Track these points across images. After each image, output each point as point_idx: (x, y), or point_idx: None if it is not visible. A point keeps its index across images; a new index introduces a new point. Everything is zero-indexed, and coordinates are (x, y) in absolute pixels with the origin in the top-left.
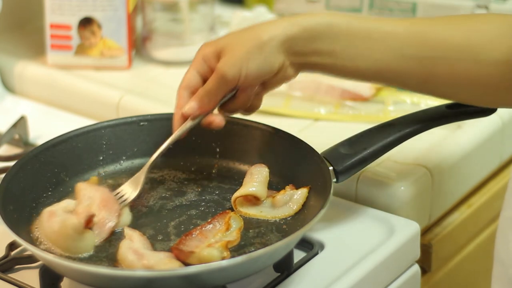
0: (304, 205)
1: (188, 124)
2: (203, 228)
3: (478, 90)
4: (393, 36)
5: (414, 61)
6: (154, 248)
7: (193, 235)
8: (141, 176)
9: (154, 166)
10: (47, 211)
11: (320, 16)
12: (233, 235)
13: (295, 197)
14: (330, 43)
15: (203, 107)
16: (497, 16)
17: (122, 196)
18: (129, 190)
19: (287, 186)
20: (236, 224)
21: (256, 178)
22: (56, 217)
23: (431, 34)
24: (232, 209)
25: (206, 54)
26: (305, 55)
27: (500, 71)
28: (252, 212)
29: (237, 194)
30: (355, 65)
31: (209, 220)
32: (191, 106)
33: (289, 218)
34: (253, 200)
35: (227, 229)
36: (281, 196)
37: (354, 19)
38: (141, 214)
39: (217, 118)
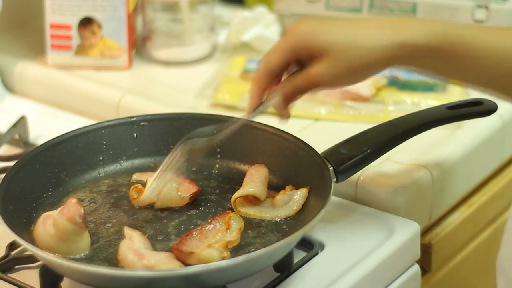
0: (304, 205)
1: (265, 107)
2: (204, 228)
3: None
4: (492, 53)
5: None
6: (154, 248)
7: (193, 235)
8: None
9: (155, 166)
10: (42, 216)
11: (433, 32)
12: (233, 235)
13: (295, 198)
14: (438, 62)
15: (285, 100)
16: None
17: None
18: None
19: (287, 187)
20: (236, 224)
21: (256, 178)
22: (51, 219)
23: None
24: (232, 209)
25: (300, 47)
26: (408, 67)
27: None
28: (252, 212)
29: (236, 194)
30: (460, 79)
31: (209, 220)
32: (276, 97)
33: (289, 218)
34: (253, 200)
35: (227, 229)
36: (281, 196)
37: (466, 33)
38: (141, 214)
39: (287, 114)
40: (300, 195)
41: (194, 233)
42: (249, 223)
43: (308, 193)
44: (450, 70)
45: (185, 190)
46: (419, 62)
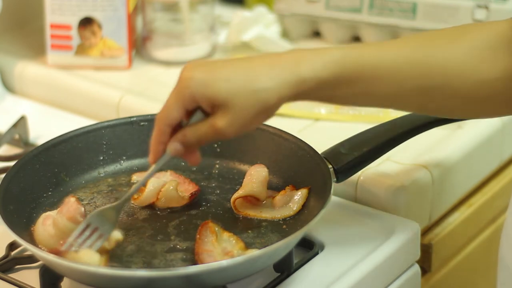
0: (304, 205)
1: (167, 158)
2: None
3: (476, 107)
4: (397, 69)
5: (416, 91)
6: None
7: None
8: (115, 215)
9: None
10: (42, 216)
11: (332, 62)
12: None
13: (295, 198)
14: (345, 90)
15: (188, 149)
16: (483, 27)
17: (95, 232)
18: (103, 226)
19: (287, 187)
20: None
21: (256, 179)
22: (51, 219)
23: (431, 61)
24: (231, 210)
25: (196, 99)
26: (309, 99)
27: (497, 88)
28: (252, 212)
29: (236, 195)
30: (359, 104)
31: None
32: (177, 148)
33: (289, 218)
34: (253, 200)
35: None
36: (281, 196)
37: (362, 56)
38: (141, 214)
39: (196, 157)
40: (300, 195)
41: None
42: (249, 223)
43: (308, 193)
44: (360, 96)
45: (185, 190)
46: (325, 95)
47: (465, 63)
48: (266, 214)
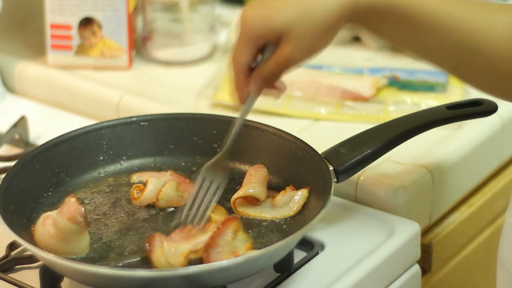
0: (304, 205)
1: (253, 97)
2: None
3: (507, 84)
4: (443, 21)
5: (457, 47)
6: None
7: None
8: (226, 162)
9: (155, 166)
10: (42, 216)
11: None
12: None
13: (295, 198)
14: (387, 25)
15: (267, 85)
16: None
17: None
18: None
19: (288, 187)
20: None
21: (255, 179)
22: (51, 219)
23: (474, 23)
24: (231, 210)
25: (260, 36)
26: (362, 25)
27: None
28: (252, 212)
29: (236, 195)
30: (408, 47)
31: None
32: (257, 86)
33: (289, 219)
34: (252, 201)
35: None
36: (281, 196)
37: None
38: (141, 214)
39: (280, 89)
40: (300, 195)
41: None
42: (249, 223)
43: (309, 193)
44: (398, 34)
45: (185, 190)
46: (375, 24)
47: (503, 35)
48: (266, 214)
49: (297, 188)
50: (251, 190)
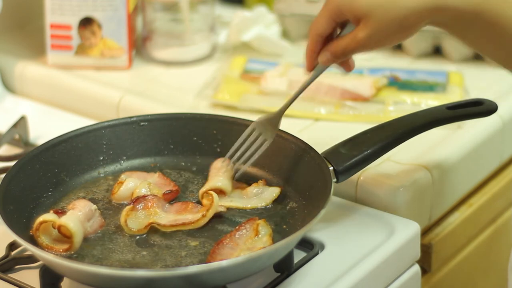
0: (305, 205)
1: (321, 67)
2: (233, 236)
3: None
4: None
5: None
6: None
7: (225, 243)
8: (277, 121)
9: (155, 166)
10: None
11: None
12: (264, 241)
13: (265, 194)
14: (473, 31)
15: (336, 61)
16: None
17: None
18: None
19: (260, 181)
20: (264, 231)
21: (222, 173)
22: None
23: None
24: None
25: (342, 11)
26: (445, 28)
27: None
28: (223, 202)
29: (203, 189)
30: (493, 54)
31: (237, 227)
32: (326, 58)
33: (289, 219)
34: (220, 193)
35: (256, 235)
36: (252, 188)
37: (505, 2)
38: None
39: (349, 66)
40: (270, 193)
41: (225, 241)
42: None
43: (280, 193)
44: (482, 41)
45: (160, 188)
46: (460, 30)
47: None
48: (237, 204)
49: (294, 188)
50: (217, 183)
